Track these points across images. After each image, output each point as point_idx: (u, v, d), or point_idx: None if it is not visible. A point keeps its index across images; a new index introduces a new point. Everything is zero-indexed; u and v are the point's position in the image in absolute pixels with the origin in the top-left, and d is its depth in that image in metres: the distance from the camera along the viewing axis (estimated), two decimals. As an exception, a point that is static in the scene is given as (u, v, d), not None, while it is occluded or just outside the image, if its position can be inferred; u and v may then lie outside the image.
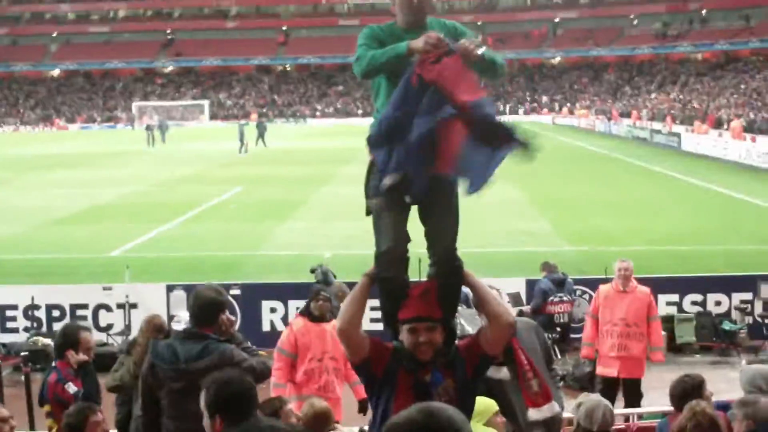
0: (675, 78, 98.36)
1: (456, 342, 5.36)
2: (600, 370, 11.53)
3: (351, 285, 12.92)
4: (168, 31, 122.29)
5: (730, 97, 74.52)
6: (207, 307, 6.50)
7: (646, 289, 11.50)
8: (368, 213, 5.42)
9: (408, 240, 5.32)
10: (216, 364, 6.06)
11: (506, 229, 25.67)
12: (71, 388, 7.36)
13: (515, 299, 14.53)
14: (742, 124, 52.96)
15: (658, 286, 14.69)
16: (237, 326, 14.08)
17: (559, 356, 13.42)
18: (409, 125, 5.11)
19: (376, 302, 5.46)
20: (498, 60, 5.49)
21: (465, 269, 5.41)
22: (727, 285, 15.38)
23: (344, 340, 5.25)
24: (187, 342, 6.36)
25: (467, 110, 5.07)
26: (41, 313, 15.22)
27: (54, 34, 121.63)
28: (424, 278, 5.48)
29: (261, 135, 61.32)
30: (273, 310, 15.22)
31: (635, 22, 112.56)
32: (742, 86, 79.16)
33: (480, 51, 5.27)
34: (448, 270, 5.34)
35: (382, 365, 5.16)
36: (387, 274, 5.29)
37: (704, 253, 21.62)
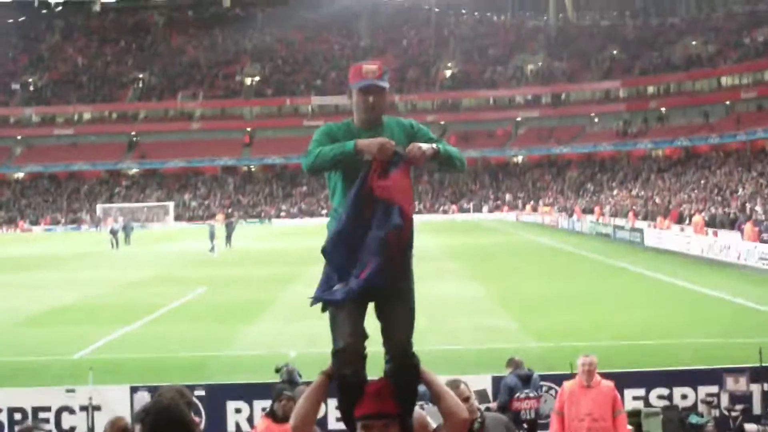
0: (636, 174, 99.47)
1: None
2: (568, 467, 11.45)
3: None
4: (133, 134, 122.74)
5: (691, 192, 75.39)
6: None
7: (610, 384, 11.51)
8: (324, 309, 5.43)
9: (365, 337, 5.31)
10: None
11: (471, 325, 25.64)
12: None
13: (481, 396, 14.43)
14: (704, 219, 53.52)
15: (624, 380, 14.68)
16: (202, 427, 13.94)
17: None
18: (358, 235, 5.20)
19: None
20: (454, 154, 5.56)
21: (422, 366, 5.41)
22: (693, 378, 15.37)
23: None
24: None
25: (409, 221, 5.25)
26: (3, 416, 14.99)
27: (18, 137, 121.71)
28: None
29: (229, 235, 61.45)
30: (238, 411, 15.05)
31: (596, 120, 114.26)
32: (703, 182, 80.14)
33: (429, 153, 5.36)
34: (403, 366, 5.33)
35: None
36: (344, 371, 5.28)
37: (669, 347, 21.66)
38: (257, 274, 41.91)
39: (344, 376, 5.29)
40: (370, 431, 5.06)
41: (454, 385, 7.02)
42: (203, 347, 23.46)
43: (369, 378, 5.35)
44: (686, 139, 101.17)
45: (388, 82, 5.64)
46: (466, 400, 6.71)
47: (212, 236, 56.07)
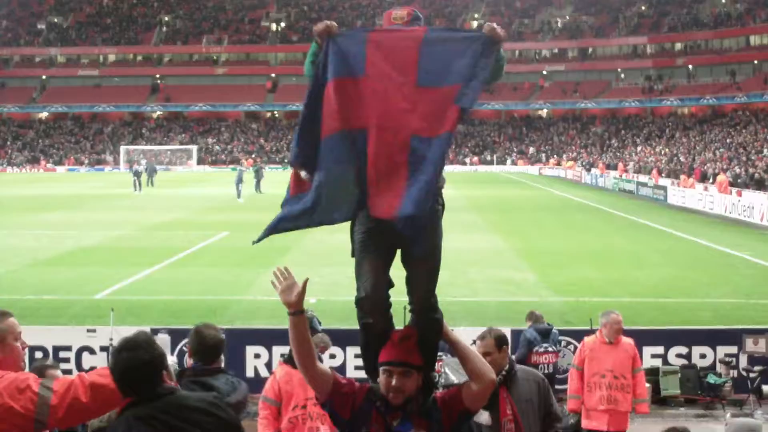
0: (661, 131, 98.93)
1: (435, 392, 5.32)
2: (586, 424, 11.41)
3: (336, 332, 12.88)
4: (157, 77, 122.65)
5: (716, 151, 74.95)
6: (216, 346, 6.52)
7: (630, 341, 11.47)
8: (353, 254, 5.42)
9: (389, 286, 5.28)
10: (245, 396, 6.17)
11: (491, 278, 25.63)
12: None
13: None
14: (728, 179, 53.23)
15: (643, 337, 14.68)
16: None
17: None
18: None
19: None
20: (501, 53, 5.54)
21: (446, 326, 5.38)
22: (712, 338, 15.36)
23: (306, 380, 5.23)
24: (210, 379, 6.31)
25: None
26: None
27: (43, 77, 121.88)
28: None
29: (258, 181, 61.30)
30: (257, 356, 15.11)
31: (622, 76, 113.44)
32: (728, 141, 79.63)
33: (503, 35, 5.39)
34: (425, 318, 5.31)
35: (349, 405, 5.13)
36: (366, 320, 5.26)
37: (689, 306, 21.64)
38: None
39: (367, 325, 5.28)
40: (390, 377, 5.07)
41: (481, 336, 6.99)
42: (224, 291, 23.56)
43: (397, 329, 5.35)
44: (713, 97, 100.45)
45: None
46: (487, 354, 6.68)
47: (240, 181, 55.94)
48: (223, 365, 6.61)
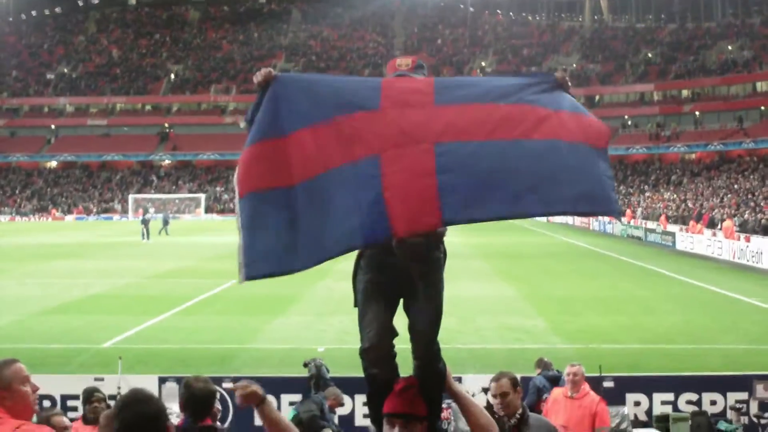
0: (669, 177, 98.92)
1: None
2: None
3: (345, 380, 12.81)
4: (166, 126, 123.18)
5: (724, 196, 74.90)
6: (206, 399, 6.48)
7: (596, 398, 11.13)
8: (356, 304, 5.40)
9: (392, 335, 5.25)
10: None
11: (500, 325, 25.54)
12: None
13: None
14: (734, 224, 53.13)
15: (653, 384, 14.63)
16: (229, 420, 13.99)
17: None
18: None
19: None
20: None
21: (448, 375, 5.35)
22: (723, 384, 15.25)
23: None
24: None
25: None
26: (32, 403, 15.00)
27: (52, 127, 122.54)
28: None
29: None
30: (265, 404, 15.02)
31: (629, 122, 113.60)
32: (736, 186, 79.60)
33: None
34: (427, 365, 5.27)
35: None
36: (371, 371, 5.23)
37: (699, 352, 21.53)
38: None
39: (372, 375, 5.26)
40: (393, 428, 5.04)
41: (496, 377, 6.87)
42: (232, 339, 23.50)
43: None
44: (720, 143, 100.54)
45: (425, 75, 5.57)
46: (504, 395, 6.63)
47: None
48: (219, 418, 6.56)
